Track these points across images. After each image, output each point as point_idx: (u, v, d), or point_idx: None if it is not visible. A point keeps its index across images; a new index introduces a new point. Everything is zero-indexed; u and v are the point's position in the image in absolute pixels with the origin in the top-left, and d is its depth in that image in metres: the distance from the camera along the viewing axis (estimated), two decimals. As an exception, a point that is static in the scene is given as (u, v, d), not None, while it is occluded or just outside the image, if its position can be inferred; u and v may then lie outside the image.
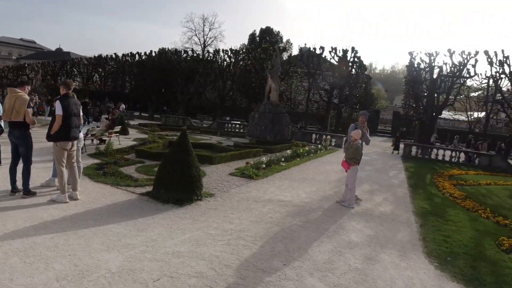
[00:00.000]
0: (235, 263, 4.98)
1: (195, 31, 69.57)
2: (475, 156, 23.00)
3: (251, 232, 6.27)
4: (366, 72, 52.10)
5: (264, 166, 12.34)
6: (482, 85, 40.24)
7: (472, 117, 45.18)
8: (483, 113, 42.89)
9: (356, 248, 6.06)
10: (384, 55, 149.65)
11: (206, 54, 46.76)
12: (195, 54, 46.00)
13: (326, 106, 38.59)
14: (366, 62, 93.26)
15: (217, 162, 12.71)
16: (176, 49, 51.59)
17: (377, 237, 6.75)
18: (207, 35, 69.17)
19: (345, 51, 37.30)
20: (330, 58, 38.42)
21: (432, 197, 10.91)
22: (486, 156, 22.38)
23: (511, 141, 29.96)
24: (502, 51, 30.76)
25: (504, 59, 30.40)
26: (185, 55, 45.58)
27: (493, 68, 31.79)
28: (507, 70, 30.53)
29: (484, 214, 9.24)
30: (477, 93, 45.08)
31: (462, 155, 23.21)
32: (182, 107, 41.77)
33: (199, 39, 68.96)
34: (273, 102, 23.57)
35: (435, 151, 23.50)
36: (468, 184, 14.21)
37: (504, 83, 33.98)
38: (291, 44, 73.02)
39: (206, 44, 67.88)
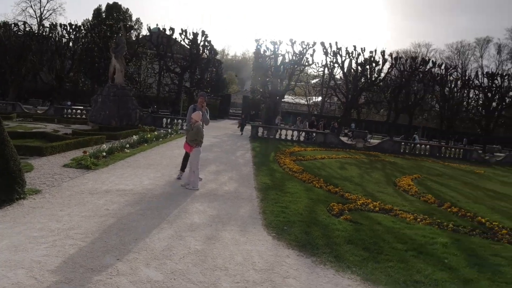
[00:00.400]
0: (60, 266, 4.27)
1: (30, 1, 59.71)
2: (313, 134, 25.67)
3: (82, 228, 5.53)
4: (218, 57, 53.07)
5: (104, 154, 11.29)
6: (319, 72, 45.26)
7: (311, 101, 50.49)
8: (320, 98, 48.39)
9: (197, 230, 5.90)
10: (236, 42, 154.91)
11: (42, 29, 40.83)
12: (27, 29, 39.70)
13: (177, 90, 37.96)
14: (219, 47, 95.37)
15: (49, 152, 11.12)
16: (5, 22, 43.70)
17: (220, 215, 6.74)
18: (44, 7, 60.12)
19: (195, 34, 37.11)
20: (181, 40, 37.80)
21: (274, 173, 11.60)
22: (322, 134, 25.21)
23: (342, 121, 34.46)
24: (336, 43, 34.96)
25: (337, 51, 34.55)
26: (16, 29, 38.94)
27: (328, 58, 35.86)
28: (339, 60, 34.81)
29: (318, 184, 10.23)
30: (315, 80, 50.51)
31: (303, 134, 25.65)
32: (13, 91, 35.86)
33: (35, 12, 59.55)
34: (119, 84, 21.94)
35: (279, 131, 25.45)
36: (306, 159, 15.70)
37: (337, 72, 38.80)
38: (141, 23, 69.35)
39: (43, 18, 59.08)
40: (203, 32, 37.49)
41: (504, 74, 41.67)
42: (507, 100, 40.65)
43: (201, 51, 38.11)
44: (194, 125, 8.35)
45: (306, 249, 5.51)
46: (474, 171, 20.43)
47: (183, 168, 9.44)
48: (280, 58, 34.15)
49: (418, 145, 27.66)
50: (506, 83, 39.61)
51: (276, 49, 33.95)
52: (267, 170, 12.09)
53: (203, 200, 7.63)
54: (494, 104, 40.25)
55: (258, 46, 35.74)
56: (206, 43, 38.51)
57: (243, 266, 4.78)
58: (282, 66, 33.94)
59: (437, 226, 7.72)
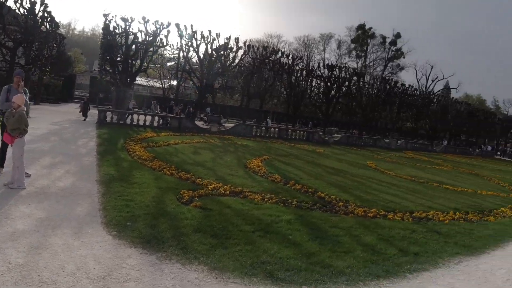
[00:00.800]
0: None
1: None
2: (168, 119, 24.97)
3: None
4: (62, 32, 47.09)
5: None
6: (174, 55, 44.11)
7: (167, 84, 49.26)
8: (176, 81, 47.54)
9: (20, 239, 4.88)
10: (84, 16, 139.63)
11: None
12: None
13: (9, 68, 32.30)
14: (64, 20, 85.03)
15: None
16: None
17: (50, 218, 5.74)
18: None
19: (33, 3, 31.86)
20: (15, 9, 32.02)
21: (121, 162, 10.71)
22: (177, 119, 24.68)
23: (197, 105, 34.41)
24: (191, 26, 34.20)
25: (193, 34, 33.96)
26: None
27: (183, 40, 35.03)
28: (194, 44, 34.32)
29: (169, 171, 9.82)
30: (171, 63, 49.24)
31: (156, 118, 24.70)
32: None
33: None
34: None
35: (131, 116, 23.96)
36: (159, 145, 15.05)
37: (193, 55, 38.29)
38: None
39: None
40: (42, 1, 32.47)
41: (342, 66, 47.57)
42: (344, 89, 46.59)
43: (39, 23, 33.02)
44: (16, 110, 6.96)
45: (151, 244, 5.11)
46: (315, 150, 22.75)
47: (1, 163, 7.92)
48: (131, 37, 31.97)
49: (271, 128, 29.64)
50: (343, 75, 45.31)
51: (127, 27, 31.61)
52: (113, 159, 11.07)
53: (30, 201, 6.42)
54: (333, 92, 45.65)
55: (107, 22, 32.73)
56: (46, 14, 33.54)
57: (75, 277, 4.12)
58: (134, 46, 31.89)
59: (282, 204, 8.17)
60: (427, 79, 70.79)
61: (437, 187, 14.29)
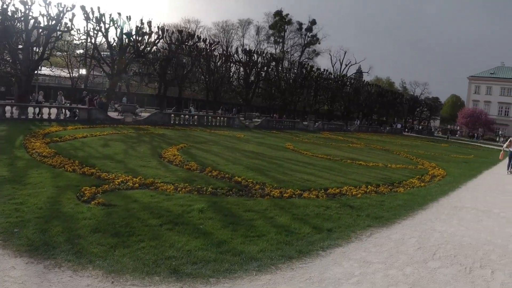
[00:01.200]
0: None
1: None
2: (76, 111, 23.14)
3: None
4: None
5: None
6: (81, 41, 40.77)
7: (76, 74, 45.75)
8: (85, 70, 44.32)
9: None
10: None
11: None
12: None
13: None
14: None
15: None
16: None
17: None
18: None
19: None
20: None
21: (16, 161, 9.62)
22: (85, 110, 22.94)
23: (109, 94, 32.33)
24: (98, 8, 31.65)
25: (100, 17, 31.51)
26: None
27: (89, 24, 32.40)
28: (103, 28, 31.91)
29: (71, 167, 9.00)
30: (80, 50, 45.60)
31: (65, 111, 22.78)
32: None
33: None
34: None
35: (33, 109, 21.76)
36: (64, 139, 13.82)
37: (102, 40, 35.62)
38: None
39: None
40: None
41: (260, 52, 47.83)
42: (263, 74, 46.95)
43: None
44: None
45: (39, 252, 4.57)
46: (235, 135, 22.72)
47: None
48: (32, 22, 28.85)
49: (194, 116, 29.12)
50: (261, 60, 45.58)
51: (27, 11, 28.43)
52: (7, 158, 9.87)
53: None
54: (252, 77, 45.86)
55: (5, 6, 29.15)
56: None
57: None
58: (35, 31, 28.87)
59: (196, 192, 7.90)
60: (341, 64, 74.70)
61: (351, 164, 15.03)
